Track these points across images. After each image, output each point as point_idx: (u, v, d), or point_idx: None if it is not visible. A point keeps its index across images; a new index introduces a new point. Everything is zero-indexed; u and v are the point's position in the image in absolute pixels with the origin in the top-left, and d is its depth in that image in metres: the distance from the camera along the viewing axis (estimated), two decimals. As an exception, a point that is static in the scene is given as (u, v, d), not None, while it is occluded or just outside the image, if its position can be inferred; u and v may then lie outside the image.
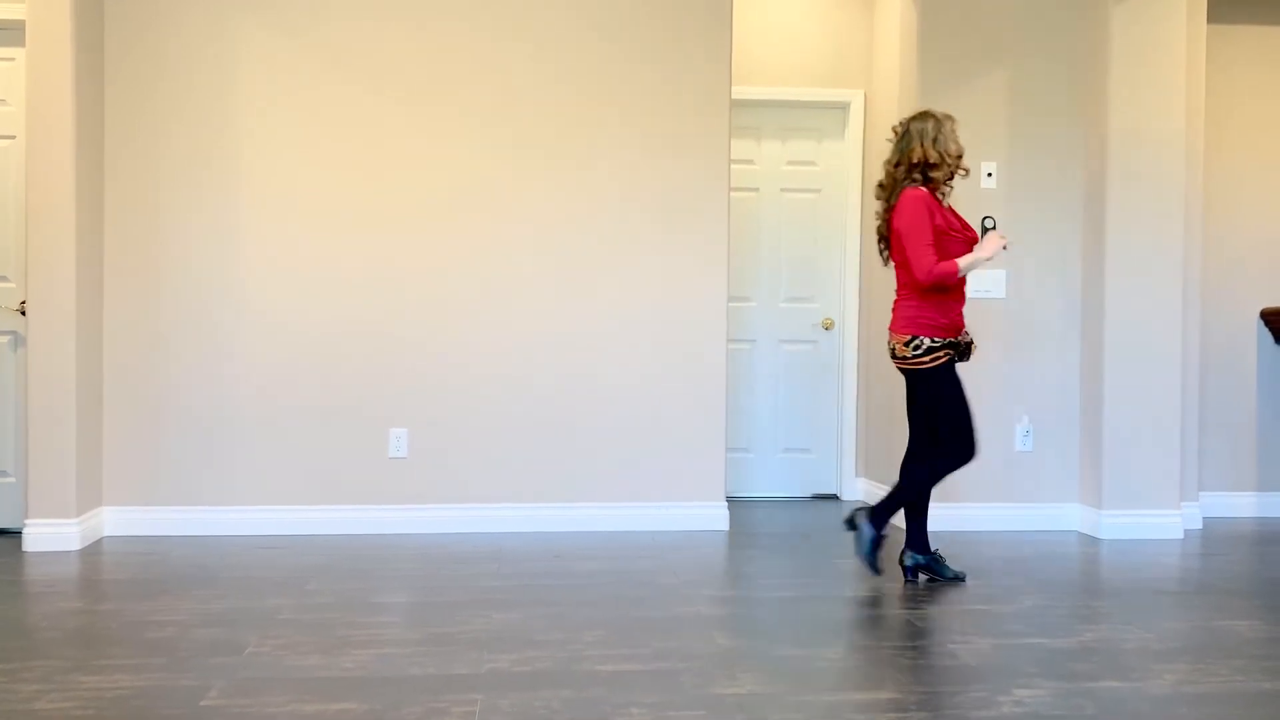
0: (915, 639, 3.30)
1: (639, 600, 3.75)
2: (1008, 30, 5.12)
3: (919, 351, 3.94)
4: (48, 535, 4.46)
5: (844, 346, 6.07)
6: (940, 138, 3.96)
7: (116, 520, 4.80)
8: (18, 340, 4.77)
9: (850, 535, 4.55)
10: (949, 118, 4.02)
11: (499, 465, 4.99)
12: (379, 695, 2.75)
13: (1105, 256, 4.97)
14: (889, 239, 4.07)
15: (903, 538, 4.22)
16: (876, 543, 4.07)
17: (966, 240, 4.00)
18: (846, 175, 6.07)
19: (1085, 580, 4.14)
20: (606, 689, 2.81)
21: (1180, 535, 4.99)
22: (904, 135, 4.03)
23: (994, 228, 4.95)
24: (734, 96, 5.30)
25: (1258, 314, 5.64)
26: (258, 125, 4.86)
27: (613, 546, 4.64)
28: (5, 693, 2.74)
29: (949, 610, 3.65)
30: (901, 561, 4.13)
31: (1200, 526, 5.26)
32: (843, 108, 6.05)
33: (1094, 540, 4.91)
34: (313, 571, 4.13)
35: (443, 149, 4.94)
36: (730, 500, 5.71)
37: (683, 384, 5.06)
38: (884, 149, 5.77)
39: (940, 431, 3.99)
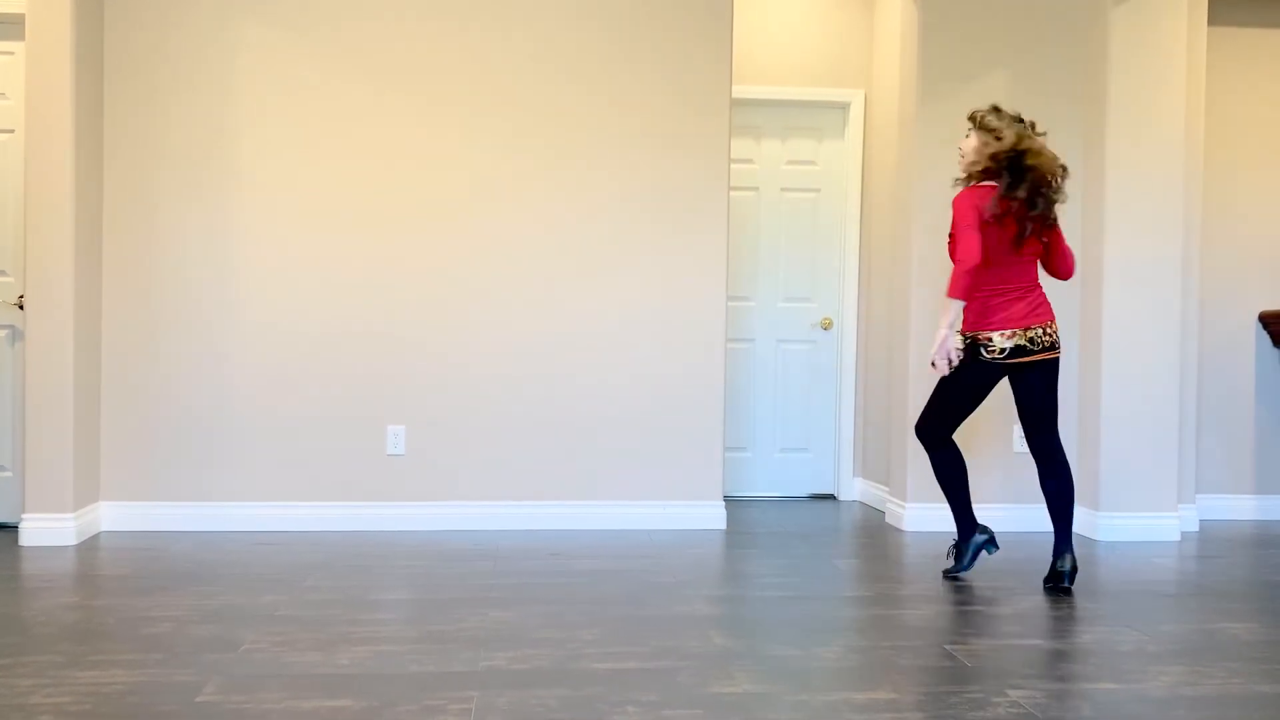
0: (912, 639, 3.30)
1: (636, 599, 3.75)
2: (1008, 31, 5.12)
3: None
4: (44, 530, 4.45)
5: (843, 346, 6.08)
6: None
7: (113, 515, 4.80)
8: (16, 334, 4.77)
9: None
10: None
11: (497, 463, 4.99)
12: (376, 692, 2.75)
13: (1103, 258, 4.97)
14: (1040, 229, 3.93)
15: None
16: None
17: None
18: (846, 175, 6.07)
19: (1082, 582, 4.14)
20: (603, 687, 2.81)
21: (1177, 538, 4.99)
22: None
23: None
24: (734, 96, 5.30)
25: (1256, 317, 5.64)
26: (257, 122, 4.85)
27: (610, 545, 4.64)
28: (1, 688, 2.73)
29: (946, 611, 3.65)
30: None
31: (1197, 529, 5.26)
32: (843, 107, 6.05)
33: (1091, 542, 4.91)
34: (310, 568, 4.13)
35: (442, 147, 4.93)
36: (728, 499, 5.71)
37: (681, 383, 5.05)
38: (885, 148, 5.79)
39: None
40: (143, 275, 4.82)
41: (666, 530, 4.98)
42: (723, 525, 5.08)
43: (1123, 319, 4.97)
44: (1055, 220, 3.94)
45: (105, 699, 2.67)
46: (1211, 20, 5.39)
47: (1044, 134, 3.97)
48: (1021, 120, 3.92)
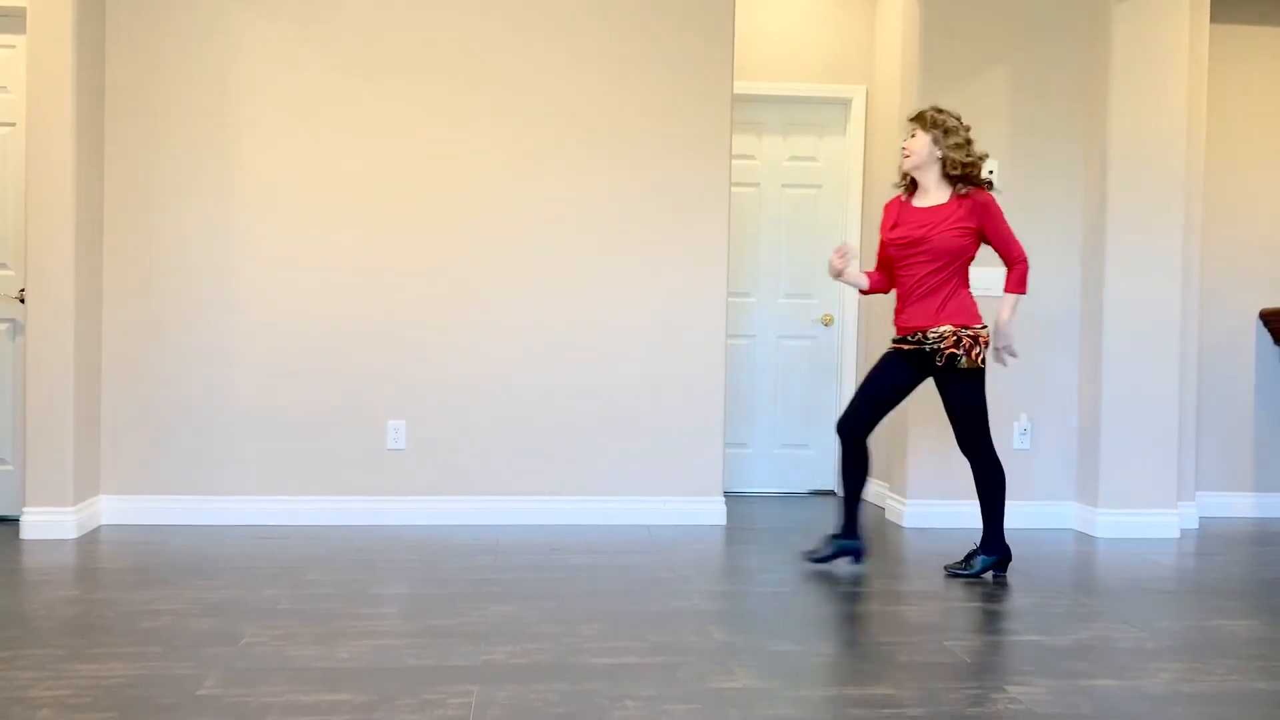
0: (911, 635, 3.31)
1: (636, 594, 3.75)
2: (1010, 28, 5.11)
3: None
4: (45, 523, 4.46)
5: (843, 343, 6.08)
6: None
7: (114, 509, 4.80)
8: (16, 328, 4.77)
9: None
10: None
11: (497, 458, 4.99)
12: (376, 686, 2.75)
13: (1105, 255, 4.97)
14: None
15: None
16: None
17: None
18: (848, 171, 6.06)
19: (1081, 579, 4.14)
20: (603, 682, 2.82)
21: (1176, 535, 5.00)
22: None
23: None
24: (736, 92, 5.29)
25: (1257, 314, 5.64)
26: (257, 115, 4.85)
27: (610, 540, 4.64)
28: (1, 681, 2.74)
29: (945, 607, 3.65)
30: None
31: (1197, 526, 5.27)
32: (844, 104, 6.04)
33: (1090, 539, 4.91)
34: (310, 562, 4.13)
35: (442, 143, 4.93)
36: (728, 495, 5.71)
37: (681, 378, 5.06)
38: (886, 145, 5.78)
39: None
40: (143, 269, 4.82)
41: (666, 525, 4.99)
42: (723, 521, 5.08)
43: (1123, 316, 4.97)
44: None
45: (105, 692, 2.67)
46: (1214, 18, 5.39)
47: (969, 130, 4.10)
48: (959, 118, 4.04)
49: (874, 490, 5.81)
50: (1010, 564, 4.19)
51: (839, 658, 3.09)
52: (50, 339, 4.46)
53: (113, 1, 4.77)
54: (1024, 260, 4.08)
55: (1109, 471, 4.97)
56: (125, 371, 4.81)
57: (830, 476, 6.13)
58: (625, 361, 5.03)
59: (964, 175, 3.99)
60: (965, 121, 4.07)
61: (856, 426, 4.10)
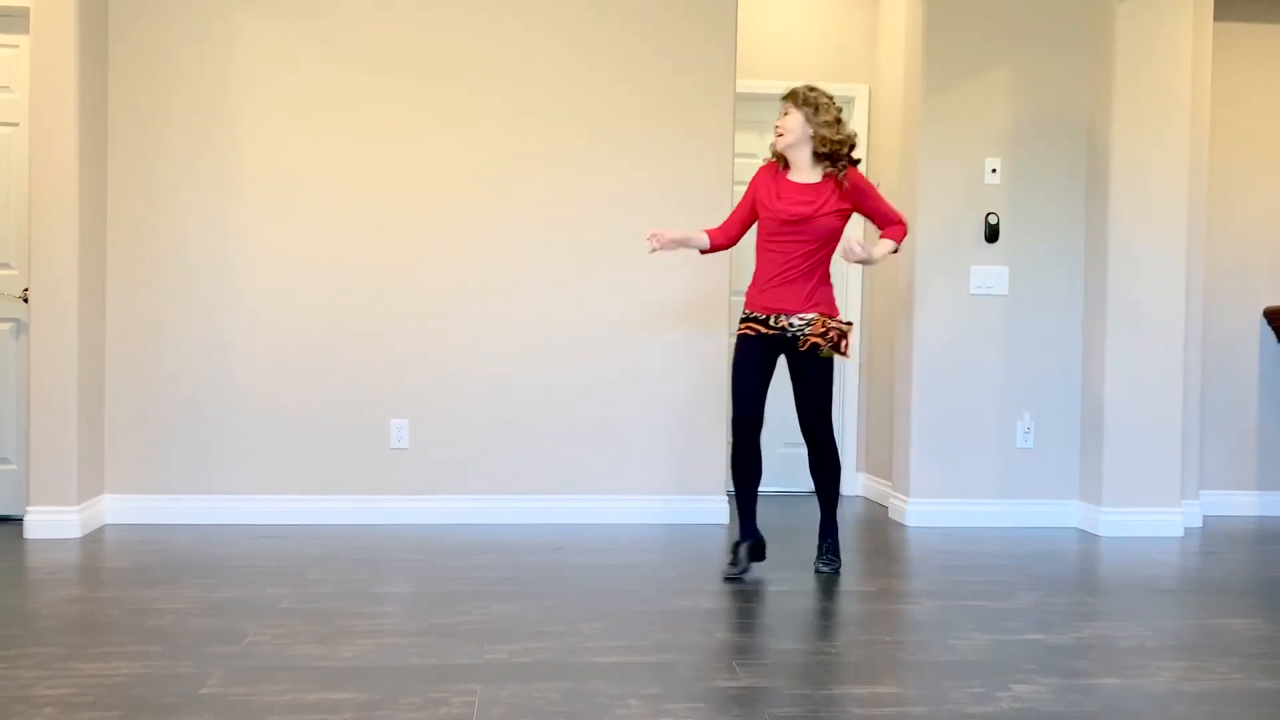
0: (914, 633, 3.31)
1: (638, 593, 3.75)
2: (1012, 26, 5.11)
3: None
4: (49, 522, 4.46)
5: (846, 341, 6.06)
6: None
7: (117, 508, 4.81)
8: (20, 327, 4.77)
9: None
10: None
11: (500, 457, 4.99)
12: (379, 685, 2.75)
13: (1108, 253, 4.96)
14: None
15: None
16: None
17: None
18: (850, 170, 6.05)
19: (1084, 577, 4.14)
20: (605, 681, 2.82)
21: (1180, 533, 4.99)
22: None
23: (997, 223, 4.97)
24: (739, 90, 5.29)
25: (1260, 312, 5.63)
26: (259, 114, 4.85)
27: (613, 539, 4.64)
28: (4, 679, 2.74)
29: (948, 605, 3.65)
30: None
31: (1200, 525, 5.26)
32: (847, 102, 6.03)
33: (1094, 537, 4.91)
34: (313, 561, 4.14)
35: (445, 140, 4.93)
36: (731, 494, 5.71)
37: (684, 377, 5.05)
38: (889, 144, 5.78)
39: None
40: (146, 269, 4.82)
41: (669, 524, 4.99)
42: (725, 520, 5.08)
43: (1127, 314, 4.96)
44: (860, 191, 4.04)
45: (109, 691, 2.67)
46: (1218, 16, 5.38)
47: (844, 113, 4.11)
48: (831, 97, 4.01)
49: (877, 489, 5.80)
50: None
51: (842, 656, 3.09)
52: (53, 338, 4.47)
53: (115, 1, 4.77)
54: (904, 221, 4.10)
55: (1112, 470, 4.96)
56: (128, 371, 4.82)
57: (833, 475, 6.12)
58: (628, 359, 5.03)
59: (832, 154, 3.94)
60: (838, 103, 4.03)
61: (756, 422, 4.04)
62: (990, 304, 5.13)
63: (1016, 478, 5.15)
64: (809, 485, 6.10)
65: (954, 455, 5.12)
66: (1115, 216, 4.96)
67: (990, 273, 5.12)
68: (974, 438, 5.12)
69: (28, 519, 4.49)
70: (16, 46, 4.72)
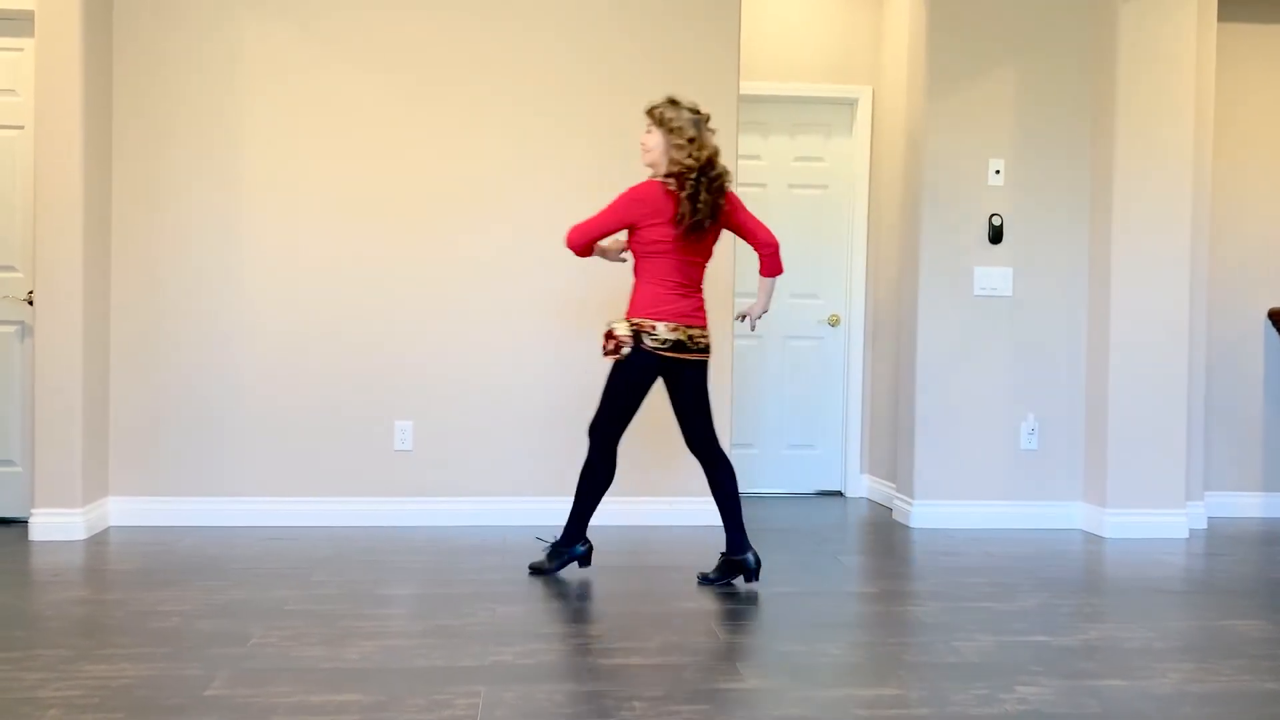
0: (918, 635, 3.30)
1: (643, 594, 3.75)
2: (1016, 27, 5.10)
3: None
4: (54, 524, 4.47)
5: (850, 343, 6.07)
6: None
7: (122, 510, 4.81)
8: (25, 330, 4.78)
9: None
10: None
11: (504, 458, 4.99)
12: (384, 686, 2.75)
13: (1112, 255, 4.96)
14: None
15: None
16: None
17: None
18: (854, 172, 6.06)
19: (1089, 579, 4.14)
20: (610, 683, 2.82)
21: (1185, 535, 4.98)
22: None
23: (1001, 224, 4.97)
24: (741, 92, 5.29)
25: (1265, 313, 5.62)
26: (264, 116, 4.86)
27: (618, 541, 4.64)
28: (10, 681, 2.75)
29: (952, 607, 3.64)
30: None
31: (1205, 526, 5.25)
32: (851, 104, 6.04)
33: (1098, 539, 4.90)
34: (318, 563, 4.14)
35: (450, 142, 4.94)
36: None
37: (688, 379, 5.04)
38: (893, 146, 5.78)
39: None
40: (151, 271, 4.83)
41: (674, 526, 4.98)
42: (729, 521, 5.08)
43: (1131, 315, 4.95)
44: (720, 211, 3.92)
45: (114, 693, 2.68)
46: (1221, 17, 5.37)
47: (714, 130, 3.96)
48: (698, 113, 3.91)
49: (881, 490, 5.80)
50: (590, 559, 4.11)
51: (846, 658, 3.08)
52: (58, 341, 4.47)
53: (120, 4, 4.78)
54: (776, 243, 3.98)
55: (1117, 471, 4.95)
56: (133, 373, 4.83)
57: (837, 476, 6.12)
58: (632, 362, 5.02)
59: (679, 174, 3.82)
60: (705, 111, 3.93)
61: (691, 440, 4.03)
62: (994, 305, 5.13)
63: (1021, 479, 5.15)
64: (814, 486, 6.11)
65: (958, 457, 5.12)
66: (1119, 217, 4.95)
67: (994, 274, 5.12)
68: (978, 439, 5.11)
69: (33, 521, 4.49)
70: (21, 50, 4.73)
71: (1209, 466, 5.51)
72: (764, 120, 6.00)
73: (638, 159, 5.02)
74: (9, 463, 4.82)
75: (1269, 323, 5.62)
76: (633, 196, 3.88)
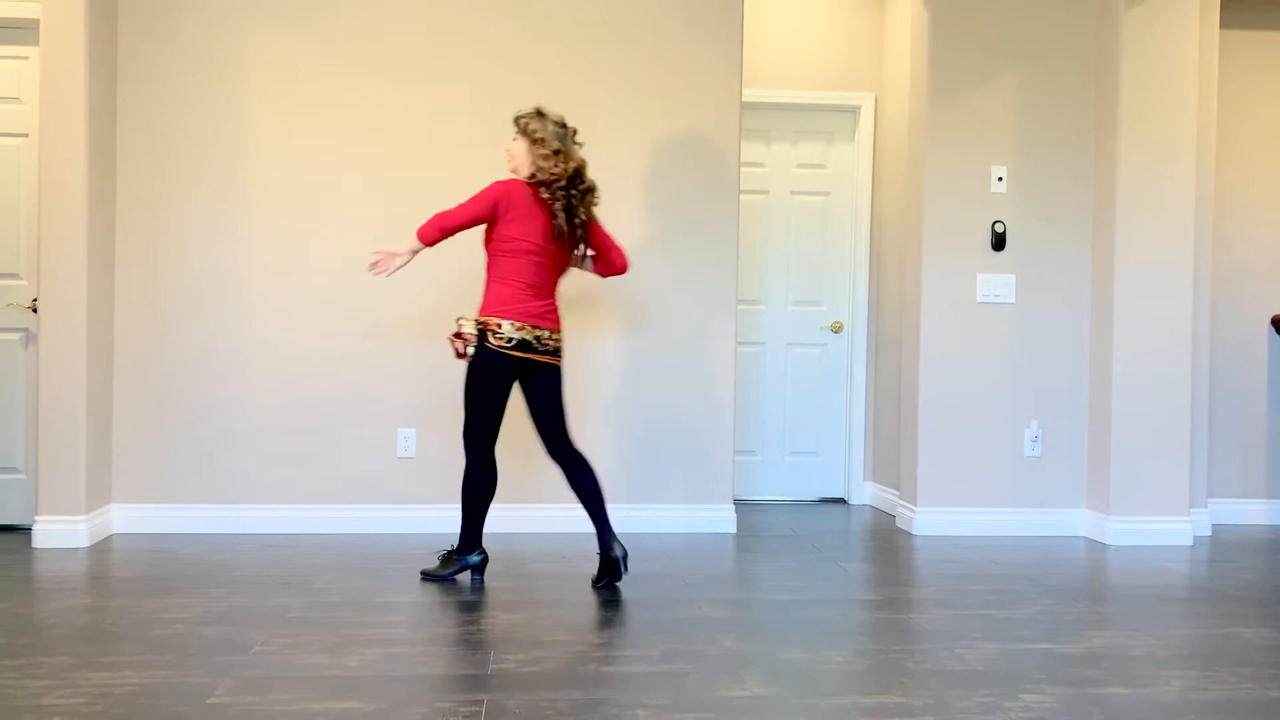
0: (922, 642, 3.30)
1: (646, 602, 3.75)
2: (1019, 35, 5.11)
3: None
4: (57, 532, 4.47)
5: (853, 350, 6.07)
6: None
7: (126, 517, 4.81)
8: (29, 337, 4.79)
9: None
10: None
11: (506, 465, 4.98)
12: (385, 694, 2.75)
13: (1115, 261, 4.96)
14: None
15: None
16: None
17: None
18: (857, 179, 6.06)
19: (1093, 586, 4.13)
20: (612, 690, 2.81)
21: (1189, 542, 4.97)
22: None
23: (1004, 231, 4.97)
24: (744, 99, 5.30)
25: (1269, 320, 5.62)
26: (267, 124, 4.87)
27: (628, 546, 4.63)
28: (13, 689, 2.75)
29: (956, 614, 3.64)
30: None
31: (1209, 533, 5.24)
32: (853, 111, 6.04)
33: (1102, 546, 4.89)
34: (321, 570, 4.14)
35: (453, 145, 4.95)
36: (738, 503, 5.69)
37: (691, 387, 5.05)
38: (895, 153, 5.79)
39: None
40: (155, 279, 4.84)
41: (676, 533, 4.98)
42: (733, 529, 5.08)
43: (1134, 322, 4.95)
44: (586, 224, 3.95)
45: (117, 700, 2.68)
46: (1224, 24, 5.38)
47: (581, 144, 3.99)
48: (564, 126, 3.93)
49: (884, 497, 5.79)
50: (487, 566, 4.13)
51: (849, 666, 3.08)
52: (62, 348, 4.48)
53: (124, 12, 4.80)
54: (627, 268, 4.17)
55: (1120, 478, 4.95)
56: (136, 380, 4.83)
57: (840, 483, 6.12)
58: (635, 368, 5.03)
59: (548, 183, 3.85)
60: (572, 125, 3.95)
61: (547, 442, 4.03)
62: (997, 312, 5.13)
63: (1024, 486, 5.14)
64: (816, 494, 6.11)
65: (961, 464, 5.11)
66: (1122, 224, 4.95)
67: (997, 281, 5.12)
68: (981, 446, 5.11)
69: (36, 528, 4.50)
70: (26, 58, 4.74)
71: (1213, 473, 5.51)
72: (766, 127, 6.01)
73: (642, 166, 5.06)
74: (12, 470, 4.83)
75: (1272, 329, 5.62)
76: (503, 189, 3.88)
